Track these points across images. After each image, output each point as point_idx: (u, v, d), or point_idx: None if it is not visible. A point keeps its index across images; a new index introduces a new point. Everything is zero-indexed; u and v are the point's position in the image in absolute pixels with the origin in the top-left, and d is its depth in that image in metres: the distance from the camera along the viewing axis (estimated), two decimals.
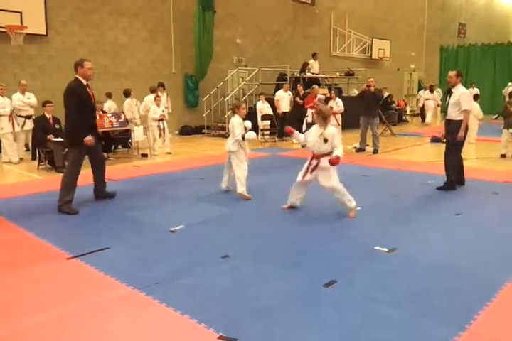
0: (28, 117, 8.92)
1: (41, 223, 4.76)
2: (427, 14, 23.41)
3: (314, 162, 4.88)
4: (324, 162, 4.76)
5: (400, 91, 21.32)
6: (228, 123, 7.06)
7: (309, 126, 10.55)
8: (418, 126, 16.07)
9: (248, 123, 5.83)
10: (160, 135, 9.69)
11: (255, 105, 12.38)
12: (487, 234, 4.38)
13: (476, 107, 10.90)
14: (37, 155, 8.28)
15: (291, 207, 5.21)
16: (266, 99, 11.91)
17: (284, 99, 11.86)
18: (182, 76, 13.70)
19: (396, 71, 21.76)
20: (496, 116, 16.08)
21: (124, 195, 5.96)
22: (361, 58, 19.91)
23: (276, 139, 11.68)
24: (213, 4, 13.38)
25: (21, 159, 8.79)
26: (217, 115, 13.72)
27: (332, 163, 4.64)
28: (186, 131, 13.67)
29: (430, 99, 16.02)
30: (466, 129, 6.02)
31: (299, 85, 12.44)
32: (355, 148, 10.02)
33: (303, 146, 10.64)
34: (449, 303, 2.97)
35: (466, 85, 17.71)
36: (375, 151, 9.67)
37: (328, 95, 11.70)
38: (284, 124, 11.90)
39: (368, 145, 9.91)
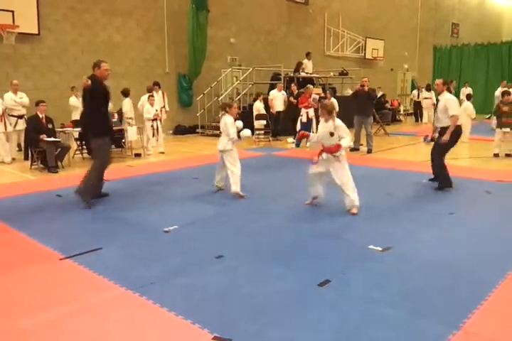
0: (21, 117, 8.88)
1: (34, 223, 4.73)
2: (420, 14, 23.49)
3: (324, 155, 5.02)
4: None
5: (394, 91, 21.36)
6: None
7: (303, 125, 10.60)
8: (412, 126, 16.13)
9: (239, 123, 5.80)
10: (153, 134, 9.66)
11: (250, 105, 12.34)
12: (480, 233, 4.40)
13: (469, 106, 10.95)
14: (29, 155, 8.22)
15: (314, 199, 5.28)
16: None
17: (278, 99, 11.83)
18: (176, 75, 13.66)
19: (390, 71, 21.81)
20: (489, 115, 16.16)
21: (118, 195, 5.93)
22: (355, 58, 19.94)
23: (270, 139, 11.67)
24: (207, 3, 13.34)
25: (14, 159, 8.72)
26: (211, 114, 13.67)
27: (331, 150, 4.88)
28: (180, 130, 13.63)
29: (428, 98, 15.90)
30: (456, 134, 6.05)
31: (293, 85, 12.44)
32: (349, 147, 10.03)
33: (297, 146, 10.72)
34: (444, 302, 2.98)
35: (460, 85, 18.10)
36: (369, 151, 9.69)
37: (323, 95, 11.71)
38: (277, 124, 11.97)
39: (361, 144, 9.93)
